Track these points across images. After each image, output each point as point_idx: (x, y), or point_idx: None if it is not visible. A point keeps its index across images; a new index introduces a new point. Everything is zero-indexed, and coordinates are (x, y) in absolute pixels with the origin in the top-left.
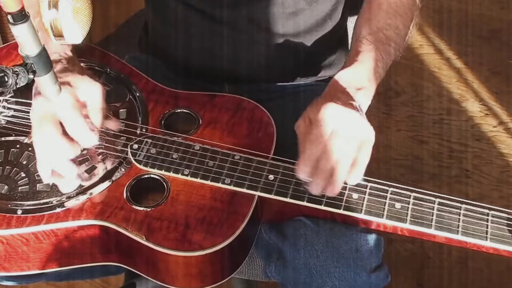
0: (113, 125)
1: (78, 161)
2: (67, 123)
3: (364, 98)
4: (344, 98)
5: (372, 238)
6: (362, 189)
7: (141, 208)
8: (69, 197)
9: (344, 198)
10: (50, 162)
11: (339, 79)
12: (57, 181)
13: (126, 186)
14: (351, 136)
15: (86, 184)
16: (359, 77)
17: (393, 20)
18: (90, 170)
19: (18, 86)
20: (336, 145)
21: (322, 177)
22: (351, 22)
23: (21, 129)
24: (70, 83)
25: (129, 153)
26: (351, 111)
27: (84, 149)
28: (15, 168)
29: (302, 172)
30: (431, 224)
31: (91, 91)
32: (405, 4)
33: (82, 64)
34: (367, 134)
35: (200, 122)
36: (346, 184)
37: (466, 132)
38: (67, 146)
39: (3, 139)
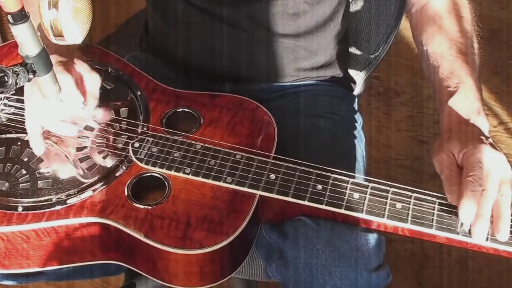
0: (104, 115)
1: (79, 158)
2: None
3: (484, 120)
4: (476, 131)
5: (373, 237)
6: (363, 189)
7: (143, 206)
8: (70, 195)
9: (345, 197)
10: (40, 121)
11: (455, 109)
12: (49, 148)
13: (127, 184)
14: (505, 176)
15: (87, 181)
16: (470, 100)
17: (460, 25)
18: (91, 168)
19: (18, 86)
20: (495, 187)
21: (487, 219)
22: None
23: (22, 126)
24: (72, 61)
25: (131, 151)
26: (499, 153)
27: (85, 146)
28: (16, 165)
29: (468, 215)
30: (432, 225)
31: (91, 76)
32: (460, 2)
33: None
34: (509, 167)
35: (202, 122)
36: None
37: None
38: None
39: (4, 136)
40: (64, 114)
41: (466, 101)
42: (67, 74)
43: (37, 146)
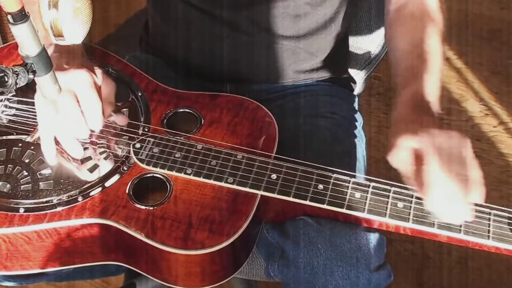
0: (119, 120)
1: (81, 160)
2: (84, 99)
3: (435, 117)
4: (426, 120)
5: (374, 237)
6: (364, 188)
7: (144, 207)
8: (71, 196)
9: (347, 197)
10: (55, 134)
11: (403, 105)
12: (61, 160)
13: (128, 184)
14: (454, 156)
15: (89, 182)
16: (422, 94)
17: (430, 27)
18: (93, 169)
19: (18, 86)
20: (444, 167)
21: (456, 204)
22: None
23: (23, 127)
24: (89, 68)
25: (132, 152)
26: (450, 131)
27: (87, 147)
28: (17, 167)
29: (437, 204)
30: (434, 223)
31: (107, 84)
32: (434, 8)
33: None
34: (464, 144)
35: (203, 122)
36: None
37: (466, 132)
38: (80, 120)
39: (5, 137)
40: (78, 130)
41: (416, 94)
42: (95, 92)
43: (50, 155)
